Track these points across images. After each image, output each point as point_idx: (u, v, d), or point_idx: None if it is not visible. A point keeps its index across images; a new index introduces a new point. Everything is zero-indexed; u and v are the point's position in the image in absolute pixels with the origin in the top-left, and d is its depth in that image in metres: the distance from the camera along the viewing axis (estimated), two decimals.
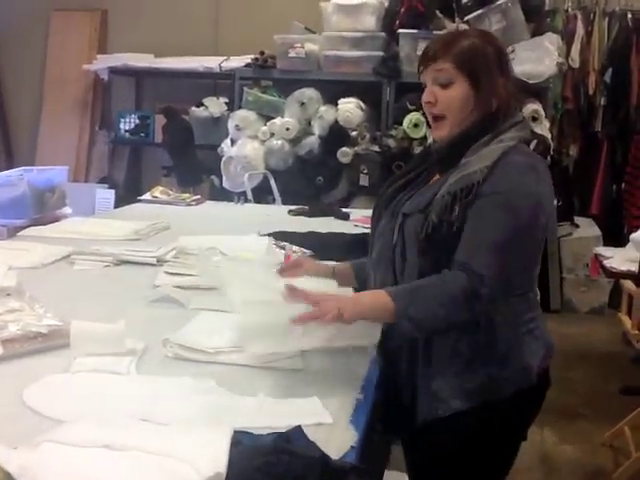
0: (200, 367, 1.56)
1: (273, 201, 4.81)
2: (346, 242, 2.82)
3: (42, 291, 2.08)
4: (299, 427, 1.14)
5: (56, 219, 4.02)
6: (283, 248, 2.65)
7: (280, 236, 2.82)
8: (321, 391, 1.46)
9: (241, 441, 1.02)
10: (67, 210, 4.98)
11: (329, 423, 1.31)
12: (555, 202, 4.88)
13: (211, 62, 5.45)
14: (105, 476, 0.91)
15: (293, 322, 1.44)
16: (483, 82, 1.61)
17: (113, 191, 5.95)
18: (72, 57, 6.12)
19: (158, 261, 2.47)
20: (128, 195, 5.21)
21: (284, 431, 1.12)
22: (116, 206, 5.38)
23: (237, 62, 5.30)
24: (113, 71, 5.76)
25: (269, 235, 2.82)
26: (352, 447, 1.22)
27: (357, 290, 1.78)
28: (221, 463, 0.92)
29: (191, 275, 2.29)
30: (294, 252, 2.61)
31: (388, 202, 1.75)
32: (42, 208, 4.82)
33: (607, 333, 4.70)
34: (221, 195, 4.92)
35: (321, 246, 2.72)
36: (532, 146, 4.43)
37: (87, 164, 6.28)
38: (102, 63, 5.82)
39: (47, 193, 4.88)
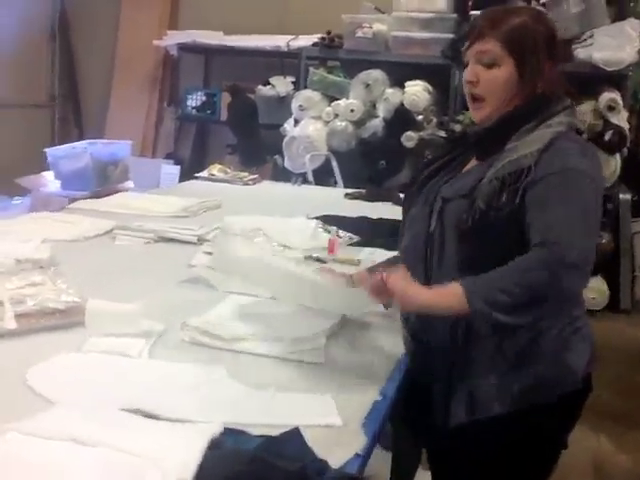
0: (216, 354, 1.49)
1: (335, 183, 4.72)
2: (396, 229, 2.71)
3: (76, 265, 2.06)
4: (297, 429, 1.05)
5: (118, 192, 4.03)
6: (329, 232, 2.56)
7: (329, 220, 2.73)
8: (338, 388, 1.37)
9: (222, 444, 0.94)
10: (129, 184, 5.03)
11: (338, 425, 1.22)
12: (629, 196, 4.63)
13: (279, 40, 5.37)
14: (66, 471, 0.85)
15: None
16: (530, 65, 1.52)
17: (178, 167, 5.95)
18: (143, 33, 6.11)
19: (199, 240, 2.42)
20: (193, 171, 5.16)
21: (276, 435, 1.03)
22: (180, 182, 5.38)
23: (304, 41, 5.20)
24: (182, 47, 5.73)
25: (317, 218, 2.74)
26: (357, 454, 1.12)
27: None
28: (189, 469, 0.84)
29: None
30: (340, 237, 2.52)
31: (421, 188, 1.65)
32: (105, 181, 4.88)
33: None
34: (284, 176, 4.85)
35: (369, 232, 2.62)
36: (607, 137, 4.22)
37: (154, 140, 6.30)
38: (172, 39, 5.80)
39: (110, 166, 4.94)
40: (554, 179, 1.42)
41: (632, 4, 4.56)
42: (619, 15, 4.42)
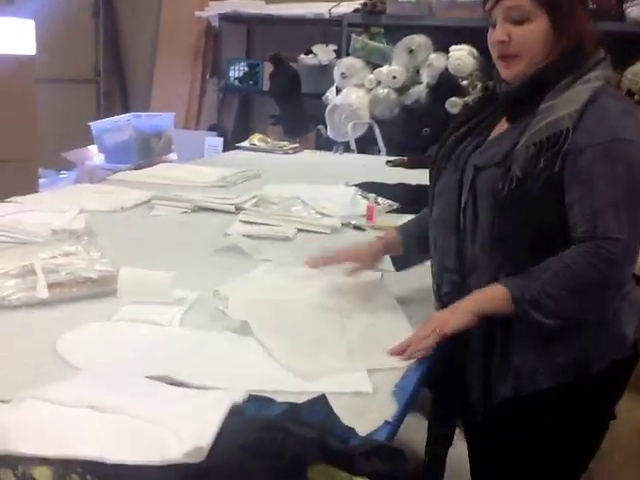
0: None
1: (378, 152, 4.66)
2: None
3: (112, 235, 2.06)
4: (323, 396, 1.02)
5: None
6: (368, 199, 2.52)
7: (368, 187, 2.69)
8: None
9: (243, 411, 0.92)
10: (173, 156, 5.04)
11: (368, 392, 1.19)
12: None
13: (321, 8, 5.29)
14: (81, 437, 0.83)
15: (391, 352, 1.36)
16: (565, 16, 1.40)
17: (222, 139, 5.95)
18: (185, 5, 6.08)
19: (236, 209, 2.40)
20: (236, 143, 5.18)
21: (301, 402, 1.01)
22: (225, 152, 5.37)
23: (346, 8, 5.11)
24: (223, 18, 5.69)
25: (356, 185, 2.69)
26: (387, 422, 1.09)
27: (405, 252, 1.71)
28: (207, 437, 0.82)
29: (266, 224, 2.21)
30: (378, 204, 2.47)
31: (448, 155, 1.54)
32: (148, 153, 4.89)
33: None
34: (327, 145, 4.81)
35: (408, 198, 2.56)
36: None
37: (198, 112, 6.30)
38: (213, 10, 5.76)
39: (153, 138, 4.95)
40: (599, 151, 1.32)
41: None
42: None
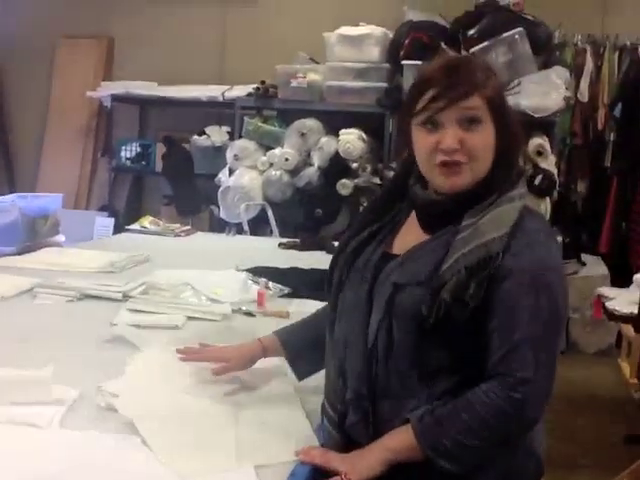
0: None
1: (270, 233, 4.69)
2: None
3: None
4: None
5: (48, 247, 3.92)
6: (259, 284, 2.52)
7: (259, 271, 2.69)
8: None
9: None
10: (60, 238, 4.88)
11: None
12: (560, 239, 4.72)
13: (215, 91, 5.36)
14: None
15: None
16: (508, 125, 1.35)
17: (112, 219, 5.86)
18: (77, 84, 6.05)
19: (124, 296, 2.34)
20: (128, 223, 5.10)
21: None
22: (115, 235, 5.28)
23: (240, 91, 5.21)
24: (116, 99, 5.67)
25: (248, 270, 2.69)
26: None
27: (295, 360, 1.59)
28: None
29: (154, 313, 2.17)
30: (269, 289, 2.48)
31: (351, 262, 1.41)
32: (34, 235, 4.72)
33: (613, 376, 4.48)
34: (221, 225, 4.83)
35: (300, 283, 2.58)
36: (537, 181, 4.30)
37: (88, 191, 6.20)
38: (105, 90, 5.75)
39: (40, 220, 4.79)
40: (526, 279, 1.27)
41: (558, 53, 4.70)
42: (546, 64, 4.54)
